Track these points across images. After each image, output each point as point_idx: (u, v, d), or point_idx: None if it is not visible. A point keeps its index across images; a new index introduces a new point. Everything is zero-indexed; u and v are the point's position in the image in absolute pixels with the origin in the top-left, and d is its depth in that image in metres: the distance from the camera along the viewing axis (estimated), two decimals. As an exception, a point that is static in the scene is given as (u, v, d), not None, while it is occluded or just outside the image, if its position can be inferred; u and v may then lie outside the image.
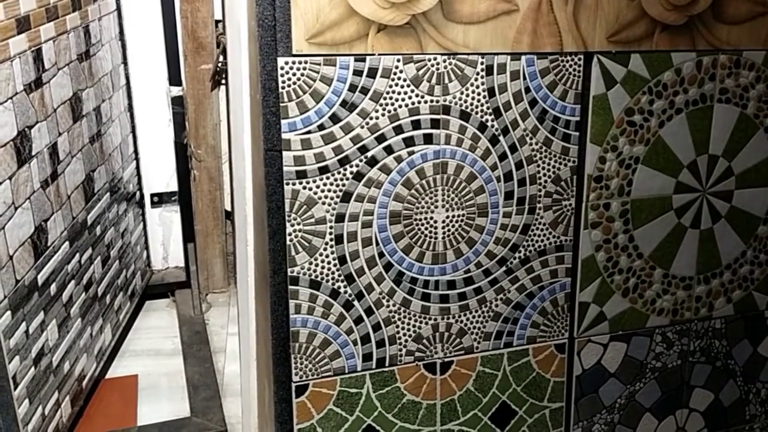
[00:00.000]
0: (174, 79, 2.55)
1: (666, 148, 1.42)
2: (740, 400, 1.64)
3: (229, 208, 2.84)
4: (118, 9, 2.41)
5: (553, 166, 1.36)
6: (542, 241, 1.38)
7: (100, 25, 2.21)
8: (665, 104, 1.40)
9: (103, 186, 2.24)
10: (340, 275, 1.27)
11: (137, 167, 2.65)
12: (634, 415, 1.55)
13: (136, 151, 2.62)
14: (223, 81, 2.64)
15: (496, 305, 1.39)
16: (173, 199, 2.79)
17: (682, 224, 1.47)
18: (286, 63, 1.16)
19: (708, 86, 1.42)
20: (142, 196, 2.71)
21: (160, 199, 2.78)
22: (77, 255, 2.01)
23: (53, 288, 1.83)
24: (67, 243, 1.92)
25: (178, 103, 2.58)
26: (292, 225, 1.23)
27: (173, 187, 2.77)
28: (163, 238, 2.85)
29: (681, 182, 1.45)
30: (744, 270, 1.55)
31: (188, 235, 2.74)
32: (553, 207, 1.38)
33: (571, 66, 1.32)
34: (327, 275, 1.27)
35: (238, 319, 1.68)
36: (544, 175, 1.35)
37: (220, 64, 2.57)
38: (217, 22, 2.58)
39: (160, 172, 2.76)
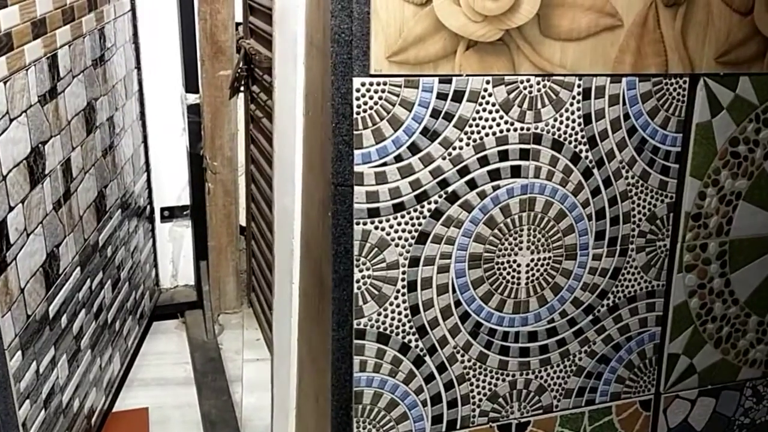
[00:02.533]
0: (190, 85, 2.36)
1: (769, 183, 1.27)
2: (829, 458, 1.49)
3: (243, 224, 2.66)
4: (133, 9, 2.22)
5: (649, 203, 1.20)
6: (633, 286, 1.22)
7: (115, 27, 2.03)
8: (771, 134, 1.24)
9: (114, 202, 2.05)
10: (411, 327, 1.11)
11: (148, 180, 2.46)
12: (720, 477, 1.40)
13: (147, 163, 2.44)
14: (243, 88, 2.46)
15: (580, 359, 1.22)
16: (185, 213, 2.60)
17: (782, 267, 1.32)
18: (363, 84, 0.99)
19: (815, 114, 1.27)
20: (152, 211, 2.53)
21: (171, 213, 2.59)
22: (88, 281, 1.82)
23: (64, 320, 1.65)
24: (78, 269, 1.74)
25: (194, 111, 2.40)
26: (361, 270, 1.06)
27: (184, 200, 2.59)
28: (173, 254, 2.66)
29: (783, 220, 1.30)
30: (842, 316, 1.40)
31: (200, 252, 2.55)
32: (646, 248, 1.21)
33: (675, 90, 1.16)
34: (397, 327, 1.10)
35: (272, 364, 1.50)
36: (639, 212, 1.19)
37: (240, 70, 2.39)
38: (237, 24, 2.40)
39: (171, 185, 2.57)
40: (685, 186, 1.21)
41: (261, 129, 2.25)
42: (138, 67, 2.29)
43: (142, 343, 2.47)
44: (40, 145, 1.48)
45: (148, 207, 2.48)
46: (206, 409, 2.10)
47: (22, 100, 1.36)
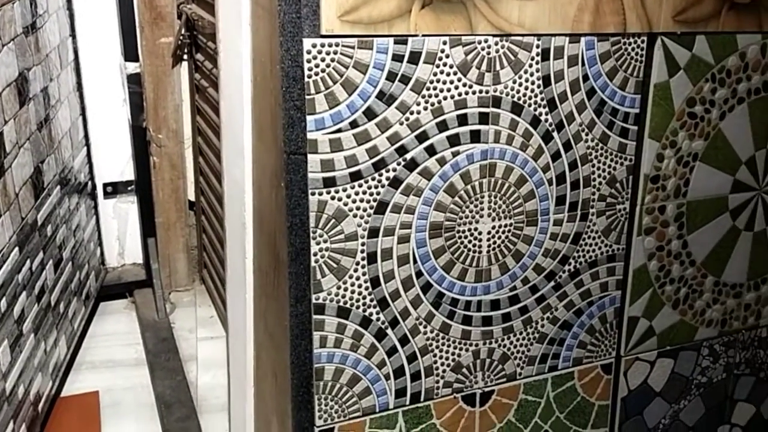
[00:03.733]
0: (129, 54, 2.25)
1: (725, 143, 1.26)
2: (780, 411, 1.52)
3: (192, 198, 2.57)
4: (64, -27, 2.09)
5: (609, 166, 1.18)
6: (594, 251, 1.21)
7: (46, -9, 1.90)
8: (728, 93, 1.24)
9: (53, 179, 1.95)
10: (372, 300, 1.07)
11: (88, 154, 2.34)
12: (678, 435, 1.41)
13: (86, 137, 2.32)
14: (186, 56, 2.35)
15: (542, 325, 1.21)
16: (129, 189, 2.50)
17: (737, 226, 1.33)
18: (314, 46, 0.93)
19: (770, 73, 1.27)
20: (93, 187, 2.42)
21: (114, 189, 2.48)
22: (28, 262, 1.73)
23: (3, 303, 1.56)
24: (16, 249, 1.64)
25: (134, 81, 2.29)
26: (318, 243, 1.01)
27: (129, 175, 2.48)
28: (119, 232, 2.56)
29: (738, 180, 1.30)
30: (793, 274, 1.42)
31: (148, 228, 2.46)
32: (606, 212, 1.20)
33: (633, 49, 1.13)
34: (357, 301, 1.06)
35: (228, 342, 1.45)
36: (599, 176, 1.17)
37: (182, 38, 2.28)
38: (178, -11, 2.28)
39: (113, 160, 2.46)
40: (643, 148, 1.20)
41: (207, 99, 2.16)
42: (73, 35, 2.16)
43: (89, 324, 2.38)
44: (-34, 118, 1.38)
45: (90, 183, 2.37)
46: (160, 390, 2.04)
47: (-58, 70, 1.26)
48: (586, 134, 1.14)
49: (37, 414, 1.79)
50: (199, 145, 2.43)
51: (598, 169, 1.17)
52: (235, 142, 1.23)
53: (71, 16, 2.13)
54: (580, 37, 1.09)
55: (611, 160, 1.18)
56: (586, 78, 1.11)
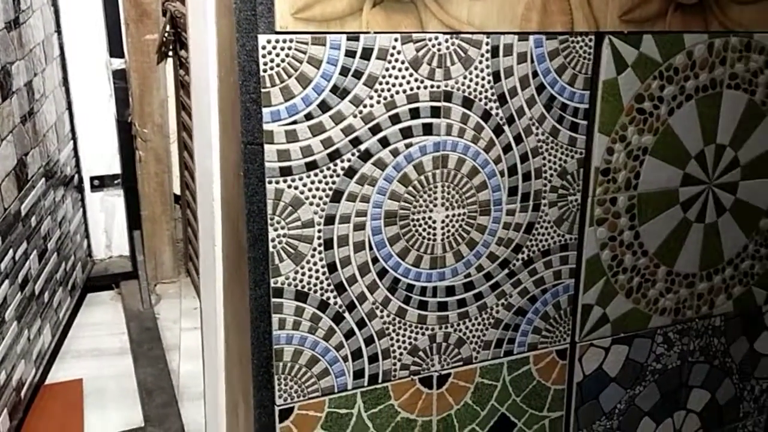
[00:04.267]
0: (115, 50, 2.30)
1: (675, 138, 1.32)
2: (735, 398, 1.57)
3: (178, 192, 2.62)
4: (50, -29, 2.14)
5: (560, 159, 1.23)
6: (546, 240, 1.26)
7: (30, -12, 1.95)
8: (676, 90, 1.29)
9: (37, 171, 2.00)
10: (329, 285, 1.12)
11: (75, 148, 2.40)
12: (633, 420, 1.47)
13: (73, 131, 2.37)
14: (171, 53, 2.41)
15: (497, 311, 1.26)
16: (116, 182, 2.56)
17: (688, 218, 1.38)
18: (269, 42, 0.99)
19: (718, 71, 1.32)
20: (80, 180, 2.47)
21: (101, 182, 2.54)
22: (11, 251, 1.78)
23: (-16, 291, 1.61)
24: (-1, 239, 1.70)
25: (120, 77, 2.35)
26: (276, 229, 1.07)
27: (116, 169, 2.54)
28: (106, 225, 2.62)
29: (688, 174, 1.35)
30: (745, 265, 1.47)
31: (133, 221, 2.52)
32: (558, 203, 1.25)
33: (581, 47, 1.19)
34: (315, 285, 1.11)
35: (202, 329, 1.51)
36: (550, 168, 1.23)
37: (167, 35, 2.33)
38: (162, -13, 2.34)
39: (100, 154, 2.52)
40: (594, 142, 1.25)
41: (190, 95, 2.21)
42: (58, 31, 2.21)
43: (75, 314, 2.43)
44: (-53, 111, 1.43)
45: (76, 176, 2.42)
46: (142, 377, 2.10)
47: None
48: (537, 128, 1.19)
49: (19, 400, 1.84)
50: (183, 140, 2.49)
51: (549, 161, 1.22)
52: (204, 134, 1.28)
53: (56, 12, 2.19)
54: (528, 35, 1.14)
55: (562, 153, 1.23)
56: (535, 74, 1.16)
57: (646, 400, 1.47)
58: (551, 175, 1.23)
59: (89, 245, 2.57)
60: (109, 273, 2.60)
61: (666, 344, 1.45)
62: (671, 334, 1.45)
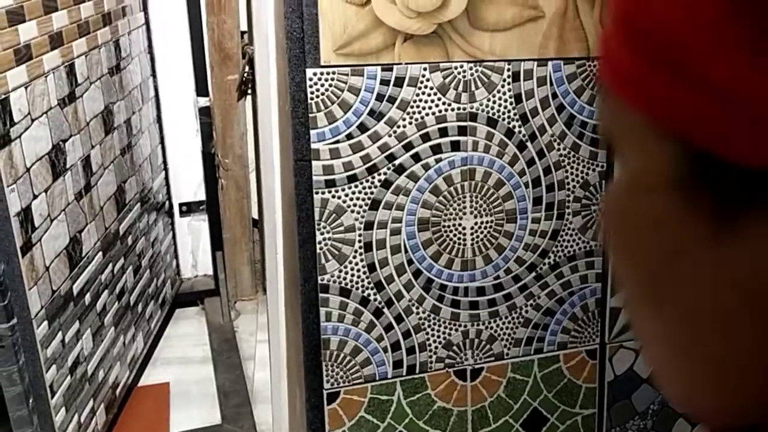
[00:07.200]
0: (201, 89, 2.58)
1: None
2: None
3: (256, 217, 2.87)
4: (147, 23, 2.45)
5: (582, 171, 1.35)
6: (572, 246, 1.38)
7: (130, 39, 2.25)
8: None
9: (134, 196, 2.28)
10: (369, 283, 1.28)
11: (166, 177, 2.69)
12: (667, 420, 1.53)
13: (164, 162, 2.66)
14: (249, 91, 2.67)
15: (526, 311, 1.38)
16: (201, 208, 2.83)
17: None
18: (315, 74, 1.18)
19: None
20: (170, 206, 2.75)
21: (188, 208, 2.82)
22: (110, 265, 2.04)
23: (87, 298, 1.87)
24: (100, 253, 1.96)
25: (205, 113, 2.62)
26: (322, 233, 1.24)
27: (201, 196, 2.81)
28: (192, 246, 2.89)
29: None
30: None
31: (216, 243, 2.77)
32: (582, 212, 1.37)
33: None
34: (357, 283, 1.28)
35: (268, 327, 1.70)
36: (573, 180, 1.35)
37: (245, 75, 2.59)
38: (242, 33, 2.61)
39: (188, 182, 2.80)
40: (614, 155, 1.36)
41: (265, 127, 2.45)
42: (153, 75, 2.52)
43: (165, 326, 2.69)
44: (61, 142, 1.70)
45: (167, 202, 2.71)
46: (221, 382, 2.31)
47: (42, 103, 1.58)
48: (558, 144, 1.32)
49: (114, 398, 2.09)
50: (259, 169, 2.73)
51: (572, 174, 1.35)
52: (267, 157, 1.48)
53: (152, 59, 2.49)
54: (547, 61, 1.28)
55: (584, 167, 1.35)
56: (555, 96, 1.30)
57: (680, 403, 1.53)
58: (574, 187, 1.35)
59: (178, 265, 2.84)
60: (195, 290, 2.85)
61: (699, 349, 1.51)
62: (704, 340, 1.51)
